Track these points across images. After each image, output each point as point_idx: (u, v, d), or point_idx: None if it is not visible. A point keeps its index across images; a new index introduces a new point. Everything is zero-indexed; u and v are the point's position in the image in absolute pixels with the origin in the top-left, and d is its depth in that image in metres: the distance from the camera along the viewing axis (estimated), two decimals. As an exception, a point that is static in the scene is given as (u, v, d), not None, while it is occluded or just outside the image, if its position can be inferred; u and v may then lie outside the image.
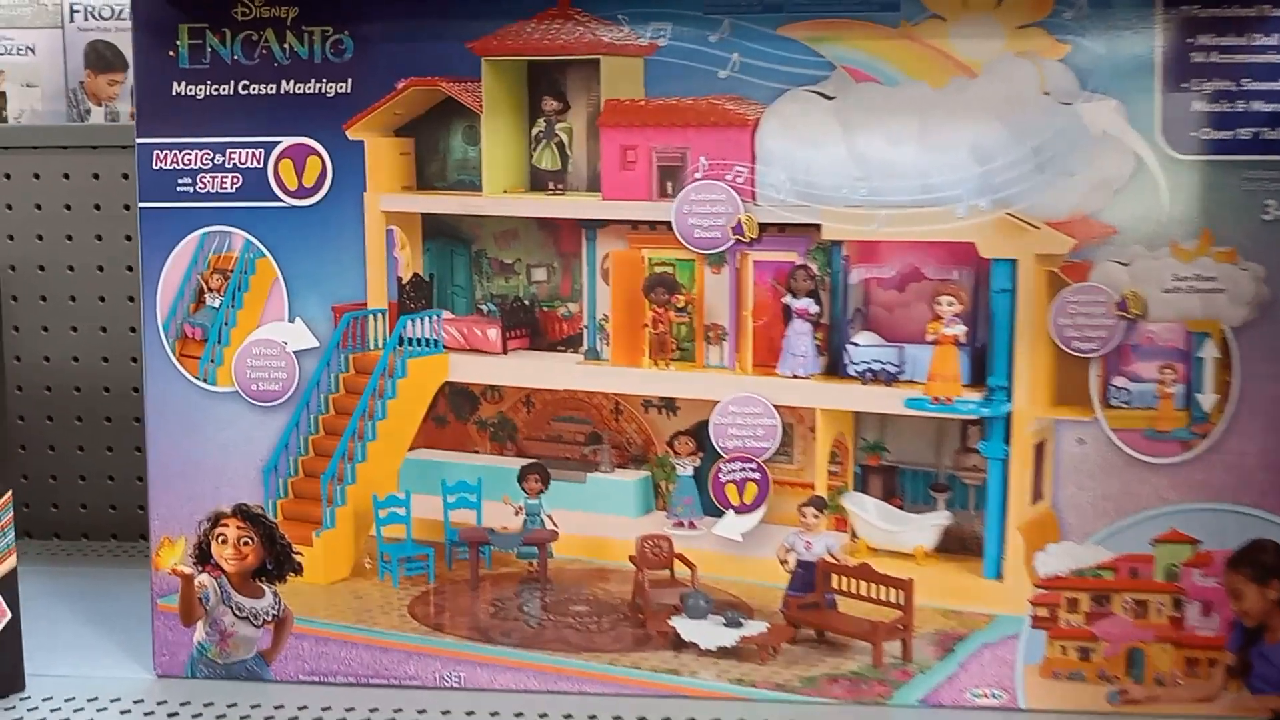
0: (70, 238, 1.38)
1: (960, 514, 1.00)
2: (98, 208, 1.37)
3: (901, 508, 1.00)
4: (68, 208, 1.37)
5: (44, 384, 1.40)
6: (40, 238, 1.39)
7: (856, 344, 0.99)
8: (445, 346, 1.02)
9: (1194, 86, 0.93)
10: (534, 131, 1.00)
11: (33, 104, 1.44)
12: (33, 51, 1.44)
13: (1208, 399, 0.95)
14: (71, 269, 1.39)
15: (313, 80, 0.98)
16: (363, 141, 0.98)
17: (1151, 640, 0.95)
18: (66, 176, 1.38)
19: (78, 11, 1.42)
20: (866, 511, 1.00)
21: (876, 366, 0.98)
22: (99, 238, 1.38)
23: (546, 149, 1.00)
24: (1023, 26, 0.94)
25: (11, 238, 1.38)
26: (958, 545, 0.98)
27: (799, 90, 0.95)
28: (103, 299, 1.39)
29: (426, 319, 1.01)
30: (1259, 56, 0.93)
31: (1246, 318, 0.94)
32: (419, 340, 1.01)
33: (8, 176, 1.38)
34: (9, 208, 1.38)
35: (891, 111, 0.94)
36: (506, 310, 1.02)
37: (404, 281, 1.01)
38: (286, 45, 0.99)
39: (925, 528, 0.98)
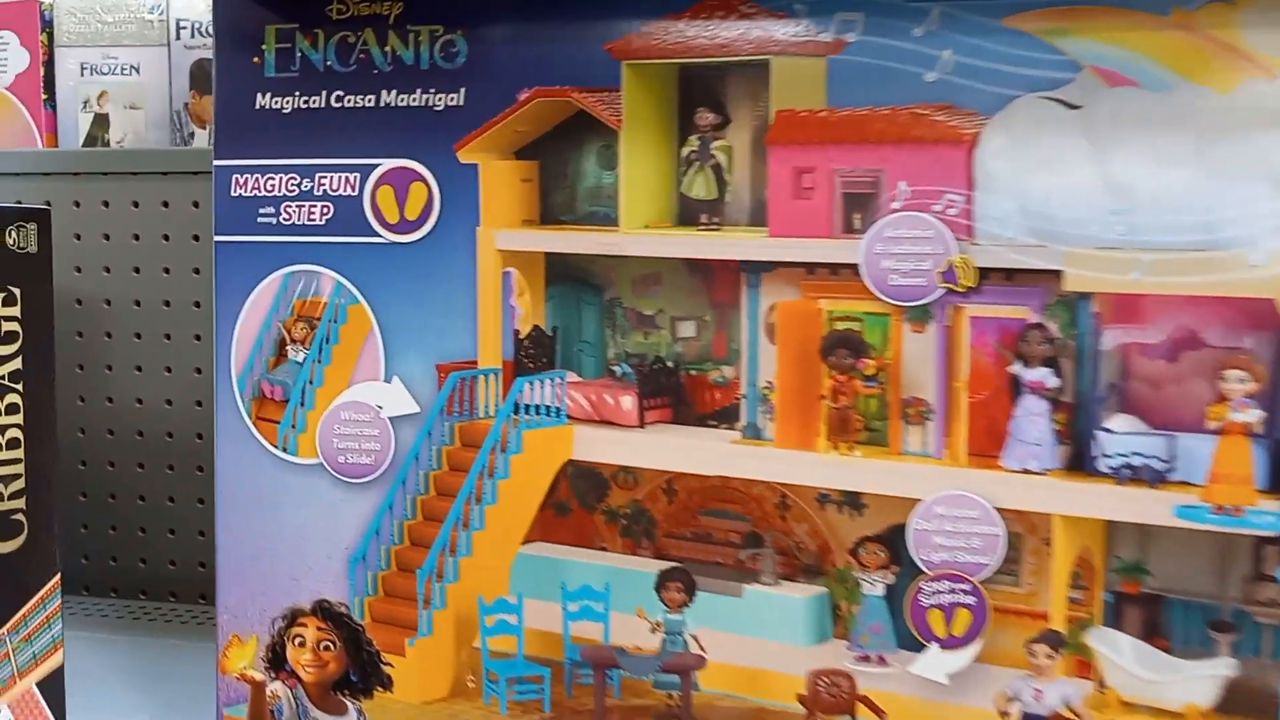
0: (138, 270, 1.34)
1: (1250, 662, 0.80)
2: (166, 239, 1.32)
3: (1168, 651, 0.81)
4: (136, 238, 1.33)
5: (107, 427, 1.35)
6: (107, 270, 1.34)
7: (1110, 430, 0.80)
8: (569, 416, 0.89)
9: None
10: (685, 152, 0.87)
11: (136, 127, 1.40)
12: (137, 71, 1.39)
13: None
14: (138, 303, 1.35)
15: (419, 90, 0.87)
16: (477, 165, 0.87)
17: None
18: (166, 205, 1.35)
19: (184, 28, 1.37)
20: (1120, 653, 0.81)
21: (1137, 461, 0.80)
22: (167, 270, 1.32)
23: (700, 174, 0.87)
24: None
25: (79, 269, 1.35)
26: (1246, 705, 0.78)
27: (1033, 97, 0.79)
28: (169, 336, 1.33)
29: (548, 382, 0.89)
30: None
31: None
32: (538, 408, 0.89)
33: (106, 205, 1.35)
34: (105, 237, 1.36)
35: (1159, 125, 0.78)
36: (645, 373, 0.89)
37: (522, 336, 0.89)
38: (388, 48, 0.87)
39: (1201, 679, 0.78)
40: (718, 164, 0.86)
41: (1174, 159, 0.77)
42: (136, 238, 1.31)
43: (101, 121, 1.43)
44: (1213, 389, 0.78)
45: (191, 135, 1.40)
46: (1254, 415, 0.77)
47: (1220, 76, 0.77)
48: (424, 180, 0.87)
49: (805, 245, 0.84)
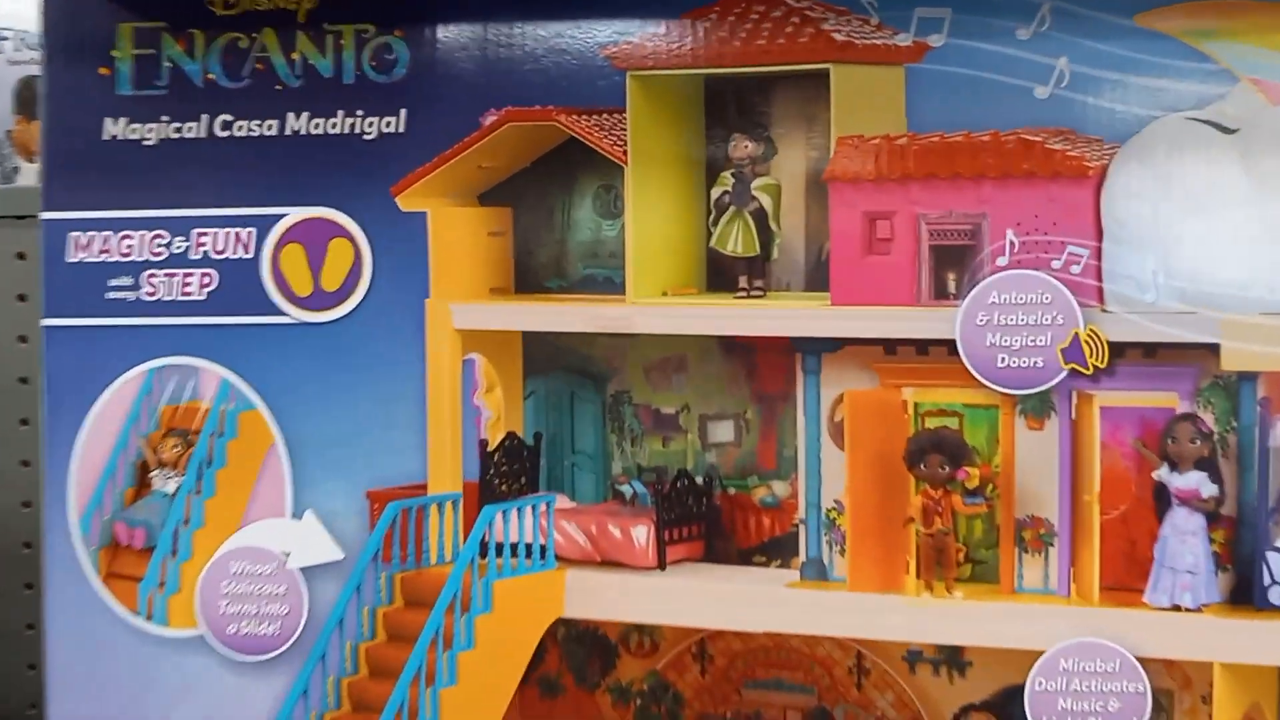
0: None
1: None
2: (22, 299, 1.22)
3: None
4: None
5: None
6: None
7: None
8: (560, 558, 0.84)
9: None
10: (716, 194, 0.83)
11: None
12: None
13: None
14: None
15: (341, 113, 0.81)
16: (424, 214, 0.81)
17: None
18: None
19: (6, 38, 1.38)
20: None
21: None
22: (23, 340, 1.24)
23: (736, 221, 0.81)
24: None
25: None
26: None
27: (1176, 118, 0.76)
28: None
29: (529, 511, 0.83)
30: None
31: None
32: (515, 549, 0.83)
33: None
34: None
35: None
36: (666, 495, 0.83)
37: (491, 448, 0.85)
38: (296, 56, 0.81)
39: None
40: (760, 209, 0.83)
41: None
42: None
43: (-100, 152, 1.50)
44: None
45: (15, 170, 1.38)
46: None
47: None
48: (348, 236, 0.81)
49: (882, 316, 0.80)
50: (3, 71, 1.39)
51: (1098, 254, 0.79)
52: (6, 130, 1.39)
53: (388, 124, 0.81)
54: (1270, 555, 0.80)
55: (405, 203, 0.82)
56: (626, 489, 0.86)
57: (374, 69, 0.81)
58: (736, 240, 0.84)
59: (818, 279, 0.83)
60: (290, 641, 0.83)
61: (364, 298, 0.82)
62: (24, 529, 1.25)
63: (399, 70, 0.81)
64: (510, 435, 0.85)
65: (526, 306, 0.85)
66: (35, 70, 1.36)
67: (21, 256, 1.28)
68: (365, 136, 0.81)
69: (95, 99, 0.83)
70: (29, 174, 1.36)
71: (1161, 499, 0.81)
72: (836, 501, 0.84)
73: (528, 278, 0.86)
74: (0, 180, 1.37)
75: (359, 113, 0.81)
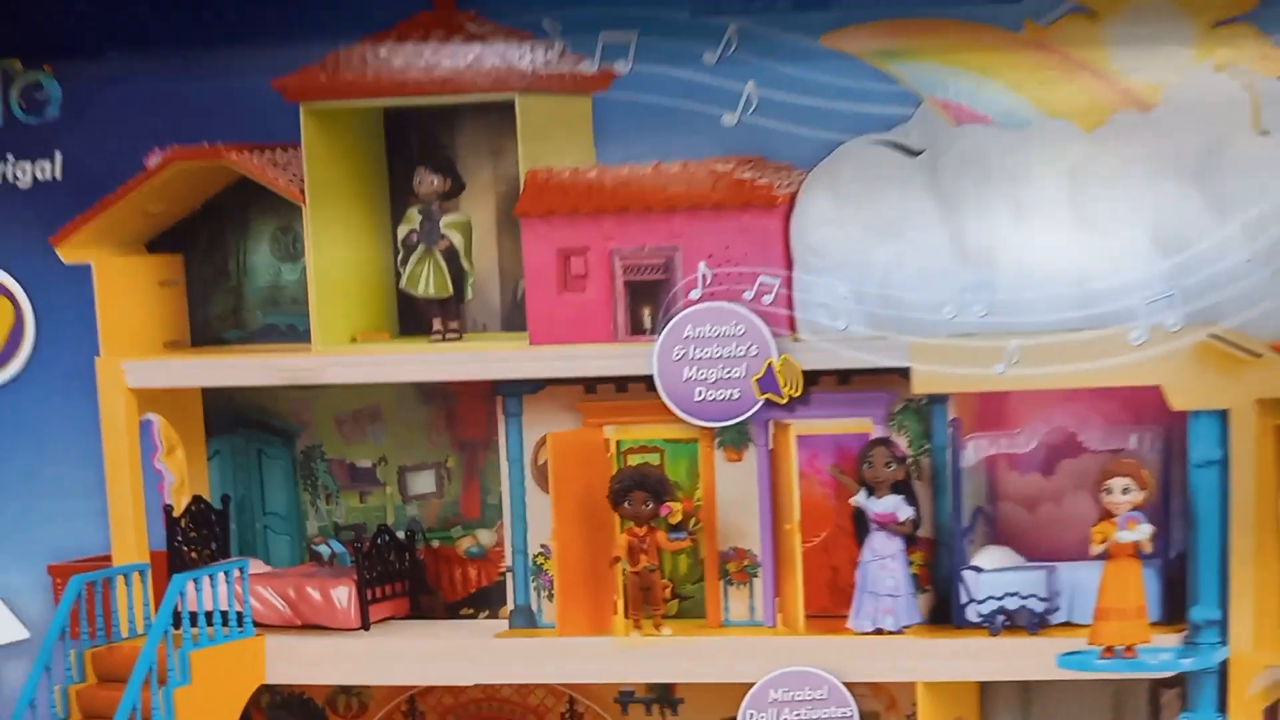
0: None
1: None
2: None
3: None
4: None
5: None
6: None
7: (979, 569, 0.81)
8: (258, 624, 0.81)
9: None
10: (403, 232, 0.82)
11: None
12: None
13: None
14: None
15: None
16: (89, 265, 0.77)
17: None
18: None
19: None
20: None
21: (1012, 604, 0.80)
22: None
23: (426, 261, 0.80)
24: (1222, 23, 0.77)
25: None
26: None
27: (863, 141, 0.79)
28: None
29: (221, 577, 0.80)
30: None
31: None
32: (210, 617, 0.80)
33: None
34: None
35: (1019, 171, 0.79)
36: (365, 553, 0.81)
37: (176, 513, 0.81)
38: None
39: None
40: (451, 247, 0.81)
41: (1037, 214, 0.78)
42: None
43: None
44: (1095, 504, 0.80)
45: None
46: (1143, 532, 0.78)
47: (1088, 108, 0.79)
48: (7, 294, 0.77)
49: (581, 355, 0.80)
50: None
51: (789, 283, 0.81)
52: None
53: (42, 169, 0.77)
54: (966, 574, 0.83)
55: (67, 254, 0.78)
56: (324, 549, 0.84)
57: (23, 109, 0.77)
58: (428, 281, 0.82)
59: (515, 318, 0.82)
60: None
61: (27, 360, 0.78)
62: None
63: (51, 110, 0.77)
64: (196, 499, 0.82)
65: (204, 361, 0.82)
66: None
67: None
68: (17, 185, 0.77)
69: None
70: None
71: (860, 524, 0.84)
72: (543, 546, 0.84)
73: (204, 329, 0.83)
74: None
75: (9, 157, 0.77)
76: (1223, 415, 0.77)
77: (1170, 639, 0.80)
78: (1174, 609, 0.81)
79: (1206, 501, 0.79)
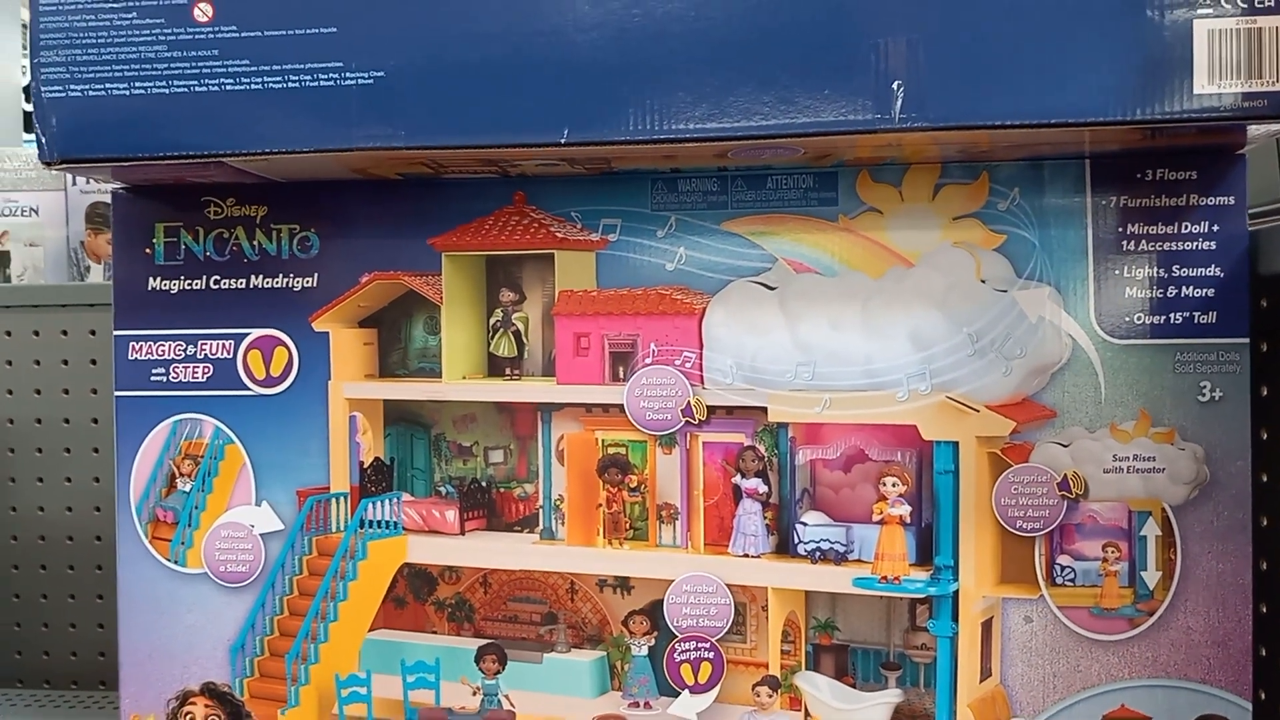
0: (39, 392, 1.59)
1: (911, 692, 1.11)
2: (65, 363, 1.58)
3: (853, 686, 1.12)
4: (37, 363, 1.59)
5: (11, 534, 1.60)
6: (10, 392, 1.59)
7: (805, 524, 1.09)
8: (404, 529, 1.14)
9: (1126, 272, 1.05)
10: (491, 321, 1.14)
11: (35, 263, 1.67)
12: (36, 213, 1.66)
13: (1152, 577, 1.06)
14: (39, 421, 1.60)
15: (280, 275, 1.13)
16: (328, 332, 1.12)
17: None
18: (65, 334, 1.59)
19: (80, 176, 1.62)
20: (819, 690, 1.11)
21: (825, 546, 1.08)
22: (66, 391, 1.58)
23: (503, 337, 1.13)
24: (959, 218, 1.06)
25: (10, 392, 1.61)
26: None
27: (743, 281, 1.07)
28: (68, 450, 1.59)
29: (387, 502, 1.14)
30: (1189, 244, 1.05)
31: (1187, 496, 1.05)
32: (379, 523, 1.14)
33: (8, 334, 1.60)
34: (8, 363, 1.61)
35: (832, 300, 1.06)
36: (464, 492, 1.14)
37: (365, 465, 1.14)
38: (256, 242, 1.15)
39: (877, 706, 1.11)
40: (517, 330, 1.13)
41: (843, 325, 1.06)
42: (38, 363, 1.59)
43: (3, 258, 1.68)
44: (876, 491, 1.08)
45: (87, 269, 1.68)
46: (905, 510, 1.09)
47: (874, 265, 1.06)
48: (286, 345, 1.13)
49: (584, 390, 1.11)
50: (76, 199, 1.62)
51: (700, 356, 1.06)
52: (80, 241, 1.62)
53: (307, 282, 1.11)
54: (797, 526, 1.07)
55: (318, 326, 1.11)
56: (443, 489, 1.13)
57: (299, 250, 1.12)
58: (504, 347, 1.12)
59: (550, 370, 1.11)
60: (255, 575, 1.12)
61: (294, 380, 1.11)
62: (96, 527, 1.57)
63: (314, 251, 1.12)
64: (376, 459, 1.13)
65: (385, 385, 1.13)
66: (101, 198, 1.61)
67: (93, 333, 1.56)
68: (294, 290, 1.11)
69: (143, 266, 1.13)
70: (96, 272, 1.60)
71: (737, 494, 1.08)
72: (560, 495, 1.12)
73: (385, 369, 1.13)
74: (76, 277, 1.61)
75: (291, 274, 1.11)
76: (955, 444, 1.02)
77: (922, 574, 1.03)
78: (924, 556, 1.04)
79: (944, 494, 1.03)
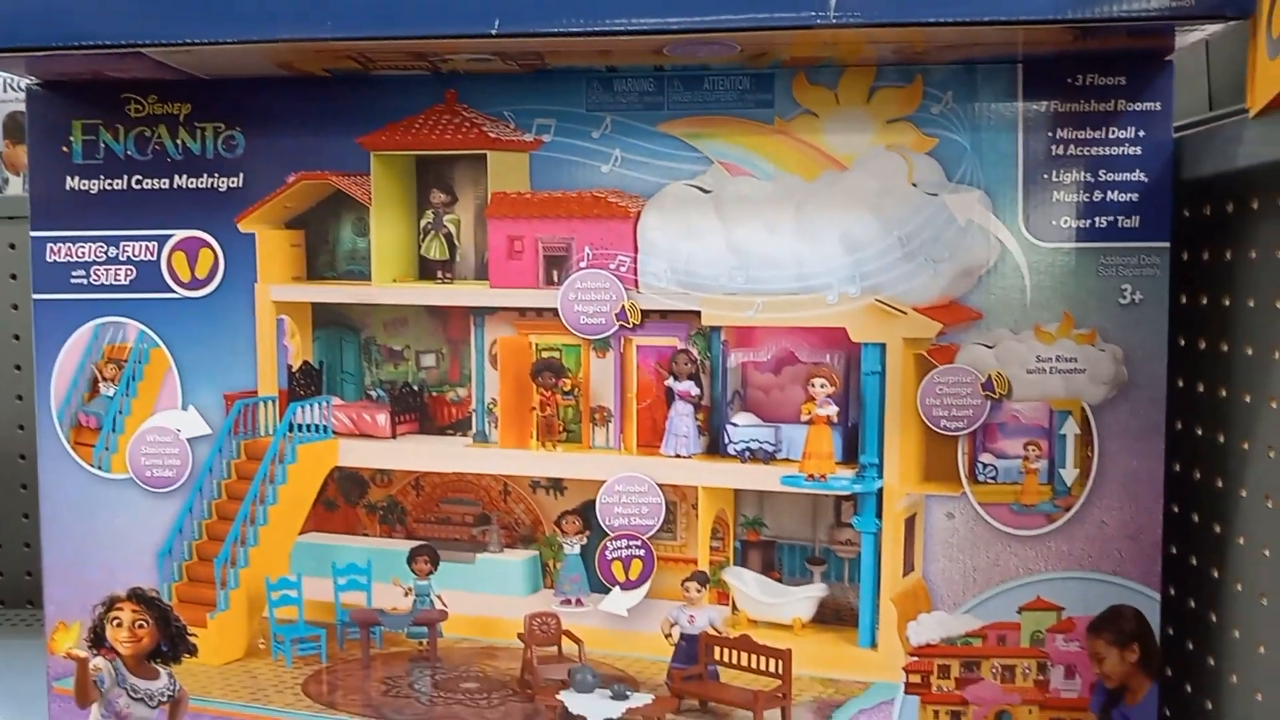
0: None
1: (835, 586, 1.14)
2: (14, 277, 1.54)
3: (780, 581, 1.15)
4: None
5: None
6: None
7: (735, 424, 1.11)
8: (335, 432, 1.14)
9: (1055, 177, 1.06)
10: (422, 223, 1.12)
11: None
12: None
13: (1070, 474, 1.09)
14: None
15: (205, 175, 1.11)
16: (254, 234, 1.11)
17: (1019, 703, 1.09)
18: None
19: None
20: (746, 585, 1.14)
21: (754, 445, 1.10)
22: (15, 307, 1.54)
23: (435, 240, 1.12)
24: (892, 121, 1.06)
25: None
26: (834, 616, 1.15)
27: (678, 184, 1.07)
28: None
29: (316, 405, 1.14)
30: (1116, 149, 1.06)
31: (1106, 396, 1.08)
32: (309, 426, 1.14)
33: None
34: None
35: (766, 204, 1.07)
36: (395, 396, 1.14)
37: (294, 369, 1.14)
38: (179, 141, 1.13)
39: (802, 600, 1.12)
40: (449, 232, 1.12)
41: (776, 229, 1.07)
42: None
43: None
44: (804, 392, 1.10)
45: (5, 181, 1.61)
46: (832, 410, 1.11)
47: (808, 168, 1.07)
48: (211, 247, 1.11)
49: (518, 294, 1.11)
50: (-7, 107, 1.46)
51: (635, 260, 1.06)
52: (-1, 151, 1.48)
53: (233, 182, 1.10)
54: (728, 427, 1.09)
55: (244, 227, 1.09)
56: (373, 393, 1.13)
57: (225, 150, 1.10)
58: (435, 250, 1.11)
59: (482, 273, 1.10)
60: (182, 480, 1.11)
61: (220, 283, 1.09)
62: (20, 446, 1.54)
63: (239, 150, 1.10)
64: (305, 363, 1.13)
65: (313, 287, 1.12)
66: (17, 106, 1.53)
67: (12, 246, 1.52)
68: (219, 190, 1.10)
69: (60, 165, 1.10)
70: (15, 185, 1.54)
71: (669, 396, 1.09)
72: (493, 399, 1.12)
73: (313, 271, 1.12)
74: (-5, 191, 1.47)
75: (215, 175, 1.10)
76: (883, 346, 1.04)
77: (847, 473, 1.06)
78: (850, 455, 1.06)
79: (870, 394, 1.05)
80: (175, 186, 1.11)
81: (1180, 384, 1.10)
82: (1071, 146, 1.06)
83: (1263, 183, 0.97)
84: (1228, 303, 1.03)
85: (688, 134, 1.07)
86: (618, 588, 1.11)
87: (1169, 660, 1.10)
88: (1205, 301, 1.07)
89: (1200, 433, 1.06)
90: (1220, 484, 1.02)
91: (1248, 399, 0.98)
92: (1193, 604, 1.07)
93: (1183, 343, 1.10)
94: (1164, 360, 1.06)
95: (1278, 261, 0.95)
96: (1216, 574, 1.03)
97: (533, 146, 1.08)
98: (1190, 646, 1.07)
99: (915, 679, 1.08)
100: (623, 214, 1.07)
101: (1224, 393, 1.02)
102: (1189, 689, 1.07)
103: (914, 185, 1.06)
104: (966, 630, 1.08)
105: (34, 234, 1.12)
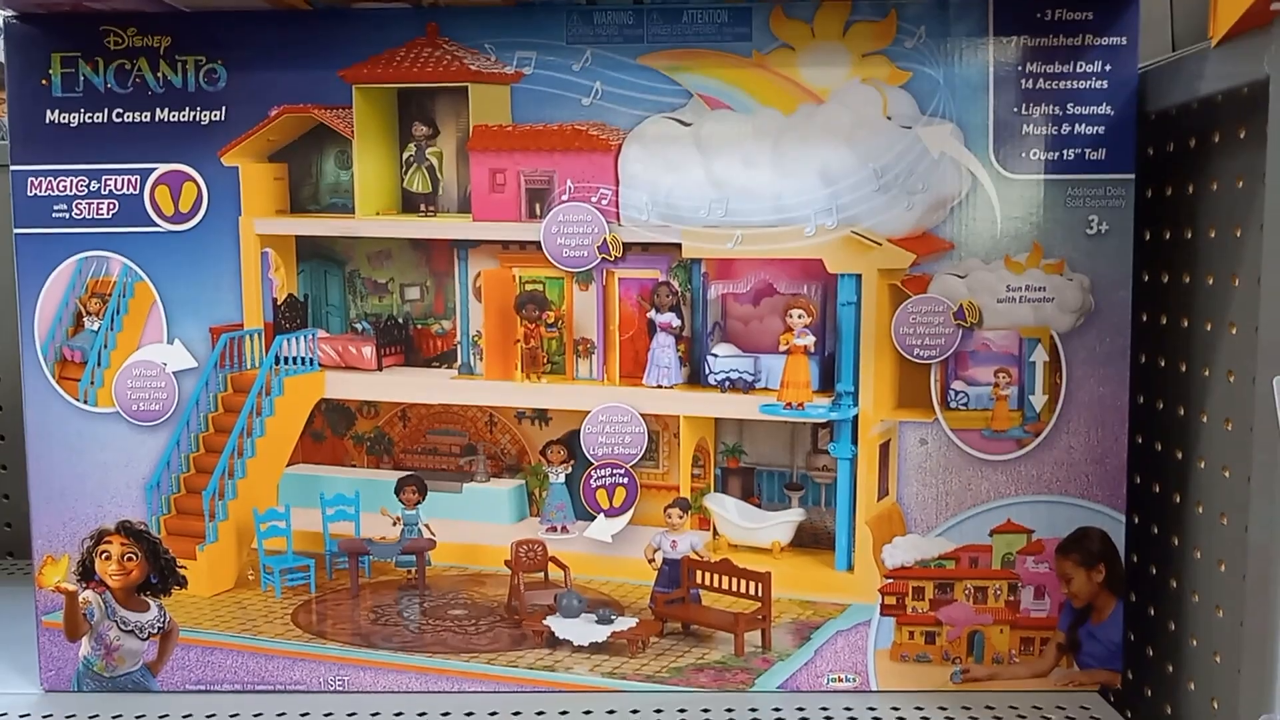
0: None
1: (813, 511, 1.17)
2: None
3: (759, 506, 1.18)
4: None
5: None
6: None
7: (716, 355, 1.14)
8: (321, 365, 1.15)
9: (1024, 110, 1.09)
10: (405, 156, 1.13)
11: None
12: None
13: (1039, 400, 1.14)
14: None
15: (187, 108, 1.11)
16: (237, 167, 1.11)
17: (990, 623, 1.15)
18: None
19: None
20: (727, 511, 1.17)
21: (734, 375, 1.13)
22: None
23: (417, 172, 1.13)
24: (867, 55, 1.09)
25: None
26: (811, 540, 1.18)
27: (658, 117, 1.08)
28: None
29: (302, 338, 1.15)
30: (1083, 83, 1.10)
31: (1073, 324, 1.11)
32: (295, 359, 1.15)
33: None
34: None
35: (745, 137, 1.08)
36: (380, 328, 1.15)
37: (279, 302, 1.14)
38: (160, 74, 1.13)
39: (781, 524, 1.14)
40: (431, 165, 1.13)
41: (755, 162, 1.09)
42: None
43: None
44: (782, 323, 1.14)
45: None
46: (809, 340, 1.14)
47: (786, 101, 1.09)
48: (194, 180, 1.11)
49: (501, 227, 1.11)
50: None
51: (616, 194, 1.07)
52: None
53: (215, 115, 1.09)
54: (708, 357, 1.11)
55: (227, 161, 1.09)
56: (358, 326, 1.13)
57: (206, 83, 1.10)
58: (418, 183, 1.11)
59: (465, 206, 1.10)
60: (169, 414, 1.12)
61: (204, 216, 1.09)
62: (17, 395, 1.37)
63: (221, 83, 1.09)
64: (290, 295, 1.13)
65: (297, 220, 1.12)
66: None
67: None
68: (201, 123, 1.09)
69: (40, 98, 1.10)
70: None
71: (651, 328, 1.10)
72: (478, 331, 1.12)
73: (297, 204, 1.12)
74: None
75: (198, 108, 1.09)
76: (858, 277, 1.06)
77: (824, 401, 1.08)
78: (827, 383, 1.08)
79: (846, 324, 1.07)
80: (157, 120, 1.10)
81: (1144, 318, 1.13)
82: (1040, 80, 1.08)
83: (1224, 115, 1.00)
84: (1189, 235, 1.06)
85: (667, 67, 1.08)
86: (602, 515, 1.13)
87: (1134, 586, 1.14)
88: (1169, 236, 1.10)
89: (1163, 364, 1.10)
90: (1183, 411, 1.06)
91: (1209, 327, 1.01)
92: (1155, 530, 1.11)
93: (1146, 278, 1.13)
94: (1129, 289, 1.10)
95: (1238, 192, 0.98)
96: (1178, 498, 1.06)
97: (514, 79, 1.08)
98: (1154, 571, 1.11)
99: (890, 601, 1.13)
100: (604, 147, 1.08)
101: (1185, 322, 1.06)
102: (1152, 611, 1.12)
103: (889, 118, 1.08)
104: (940, 553, 1.12)
105: (14, 168, 1.12)
